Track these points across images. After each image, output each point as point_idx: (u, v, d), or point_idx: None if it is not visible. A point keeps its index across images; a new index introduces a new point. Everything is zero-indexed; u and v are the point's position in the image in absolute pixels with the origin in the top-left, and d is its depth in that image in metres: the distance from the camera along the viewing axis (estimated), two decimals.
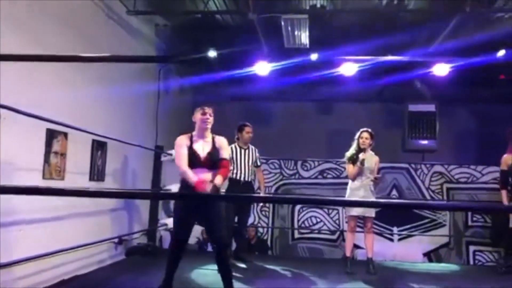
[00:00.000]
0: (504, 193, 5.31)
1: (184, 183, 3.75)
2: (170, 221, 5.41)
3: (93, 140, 5.02)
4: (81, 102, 4.73)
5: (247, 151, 5.35)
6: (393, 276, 4.95)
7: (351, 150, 5.10)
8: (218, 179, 3.70)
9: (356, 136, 5.12)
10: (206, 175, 3.71)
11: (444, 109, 7.68)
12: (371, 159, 5.03)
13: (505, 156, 5.41)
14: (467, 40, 6.45)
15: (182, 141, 3.83)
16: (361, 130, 5.14)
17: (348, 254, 5.08)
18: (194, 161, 3.73)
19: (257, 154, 5.56)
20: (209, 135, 3.89)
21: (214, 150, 3.83)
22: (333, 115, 9.42)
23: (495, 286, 4.51)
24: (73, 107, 4.54)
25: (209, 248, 6.91)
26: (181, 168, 3.71)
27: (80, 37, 4.68)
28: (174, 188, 5.39)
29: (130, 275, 4.48)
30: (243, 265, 5.13)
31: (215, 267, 4.86)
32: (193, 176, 3.62)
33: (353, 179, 5.04)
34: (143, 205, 6.26)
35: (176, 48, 6.98)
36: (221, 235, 3.84)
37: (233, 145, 5.26)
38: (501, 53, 6.75)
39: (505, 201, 5.29)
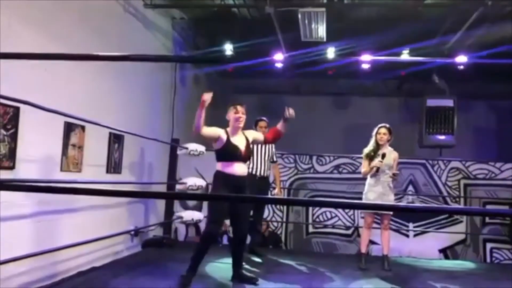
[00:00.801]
0: None
1: (220, 173, 3.87)
2: (185, 214, 5.44)
3: (110, 133, 5.06)
4: (98, 95, 4.77)
5: (263, 146, 5.33)
6: (408, 273, 4.92)
7: (369, 146, 5.05)
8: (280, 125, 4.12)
9: (374, 132, 5.06)
10: (243, 167, 3.95)
11: (463, 104, 7.57)
12: (389, 155, 4.97)
13: None
14: (487, 35, 6.35)
15: (219, 130, 3.95)
16: (379, 125, 5.07)
17: (363, 250, 5.06)
18: (234, 154, 3.87)
19: (274, 150, 5.54)
20: (241, 133, 4.02)
21: (250, 144, 4.03)
22: (350, 110, 9.36)
23: (510, 285, 4.45)
24: (90, 100, 4.58)
25: (225, 241, 6.95)
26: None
27: (98, 31, 4.71)
28: (190, 181, 5.42)
29: (146, 267, 4.52)
30: (258, 260, 5.15)
31: (225, 260, 4.93)
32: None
33: (365, 176, 5.01)
34: None
35: (193, 41, 7.00)
36: (246, 227, 4.05)
37: None
38: None
39: None
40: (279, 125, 4.21)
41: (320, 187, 7.36)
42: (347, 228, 7.24)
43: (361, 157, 5.19)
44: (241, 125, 3.97)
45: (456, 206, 7.03)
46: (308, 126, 8.90)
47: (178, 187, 5.51)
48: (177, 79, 6.92)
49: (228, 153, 3.89)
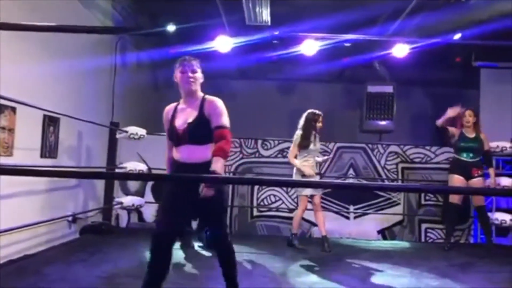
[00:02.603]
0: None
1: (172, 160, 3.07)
2: (126, 200, 5.32)
3: (44, 115, 4.83)
4: (31, 75, 4.52)
5: None
6: (347, 253, 5.08)
7: (302, 132, 5.19)
8: (217, 164, 2.77)
9: (309, 118, 5.19)
10: (196, 150, 2.94)
11: (402, 91, 7.83)
12: (317, 141, 5.21)
13: (452, 129, 5.62)
14: (425, 22, 6.56)
15: (164, 116, 3.13)
16: (313, 112, 5.21)
17: (294, 230, 5.23)
18: (173, 137, 3.01)
19: None
20: (197, 99, 3.05)
21: (201, 119, 2.96)
22: (295, 96, 9.47)
23: (439, 263, 4.69)
24: (22, 81, 4.34)
25: None
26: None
27: (33, 9, 4.44)
28: (130, 166, 5.29)
29: (81, 254, 4.39)
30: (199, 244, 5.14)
31: None
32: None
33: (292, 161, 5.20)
34: (99, 182, 6.12)
35: (134, 21, 6.77)
36: (218, 232, 3.07)
37: None
38: (457, 36, 6.93)
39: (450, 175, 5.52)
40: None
41: (265, 171, 7.42)
42: (291, 210, 7.36)
43: None
44: (192, 87, 3.03)
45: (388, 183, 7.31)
46: (254, 111, 8.92)
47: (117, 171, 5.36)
48: (118, 62, 6.69)
49: (169, 135, 3.10)
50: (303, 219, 7.10)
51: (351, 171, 7.37)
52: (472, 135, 5.41)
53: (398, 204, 7.29)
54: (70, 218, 5.26)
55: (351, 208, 7.25)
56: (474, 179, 5.27)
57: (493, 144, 5.72)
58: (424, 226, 7.29)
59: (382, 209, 7.26)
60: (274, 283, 3.78)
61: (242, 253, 4.86)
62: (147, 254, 4.32)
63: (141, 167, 5.39)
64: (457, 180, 5.34)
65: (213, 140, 2.93)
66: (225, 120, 3.00)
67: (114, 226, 6.36)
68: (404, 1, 6.14)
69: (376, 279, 4.04)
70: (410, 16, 6.49)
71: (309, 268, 4.26)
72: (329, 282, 3.82)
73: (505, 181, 5.65)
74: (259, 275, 3.96)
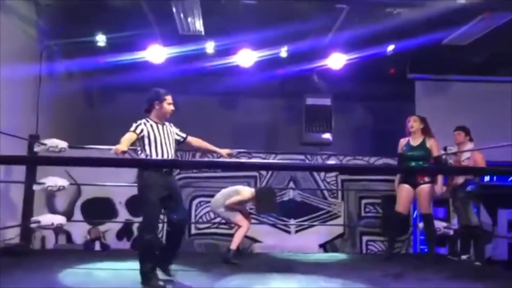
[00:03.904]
0: (398, 176, 5.47)
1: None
2: (44, 218, 4.90)
3: None
4: None
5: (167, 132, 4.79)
6: (282, 267, 4.88)
7: None
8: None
9: None
10: None
11: (340, 104, 7.85)
12: None
13: (401, 140, 5.55)
14: (358, 35, 6.62)
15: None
16: None
17: (233, 246, 5.03)
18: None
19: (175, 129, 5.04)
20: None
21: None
22: (237, 110, 9.34)
23: (374, 273, 4.58)
24: None
25: (97, 247, 6.45)
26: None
27: None
28: (49, 181, 4.92)
29: None
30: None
31: (88, 265, 4.52)
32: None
33: None
34: (21, 200, 5.65)
35: (61, 30, 6.43)
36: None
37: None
38: (391, 47, 7.05)
39: (396, 184, 5.44)
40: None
41: (203, 185, 7.16)
42: (231, 227, 7.11)
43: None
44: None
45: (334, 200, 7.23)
46: (195, 125, 8.67)
47: (35, 188, 4.95)
48: (44, 72, 6.31)
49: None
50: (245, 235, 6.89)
51: (291, 184, 7.24)
52: (417, 142, 5.30)
53: (339, 216, 7.22)
54: None
55: (292, 222, 7.10)
56: (421, 186, 5.17)
57: None
58: (365, 238, 7.23)
59: (324, 222, 7.16)
60: None
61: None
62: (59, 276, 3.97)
63: (62, 182, 5.00)
64: (403, 189, 5.27)
65: None
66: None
67: (37, 248, 5.89)
68: (334, 15, 6.15)
69: None
70: (341, 29, 6.52)
71: (236, 285, 4.02)
72: None
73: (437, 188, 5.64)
74: None
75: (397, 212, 5.31)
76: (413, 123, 5.27)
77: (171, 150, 4.06)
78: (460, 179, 5.30)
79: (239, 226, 5.18)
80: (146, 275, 3.77)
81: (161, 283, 3.76)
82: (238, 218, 5.17)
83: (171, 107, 4.07)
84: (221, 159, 4.38)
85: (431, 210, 5.33)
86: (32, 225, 4.86)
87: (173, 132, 4.20)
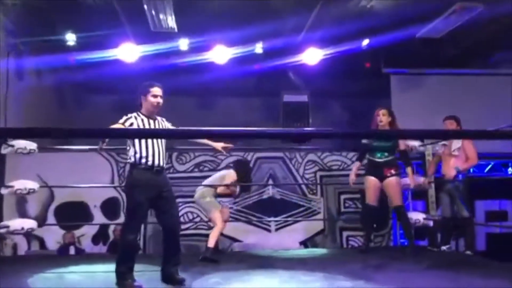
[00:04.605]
0: (356, 164, 5.43)
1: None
2: (14, 223, 4.70)
3: None
4: None
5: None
6: (262, 263, 4.78)
7: None
8: None
9: None
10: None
11: (317, 100, 7.84)
12: None
13: None
14: (333, 30, 6.60)
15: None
16: None
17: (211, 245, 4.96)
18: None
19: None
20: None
21: None
22: (214, 110, 9.23)
23: (354, 266, 4.53)
24: None
25: (71, 251, 6.26)
26: None
27: None
28: (18, 185, 4.73)
29: None
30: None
31: (61, 270, 4.35)
32: None
33: None
34: None
35: (29, 29, 6.24)
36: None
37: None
38: (365, 42, 7.06)
39: (352, 174, 5.39)
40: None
41: (181, 187, 7.03)
42: (210, 227, 6.99)
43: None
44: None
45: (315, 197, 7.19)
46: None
47: (3, 191, 4.76)
48: (11, 71, 6.12)
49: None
50: (223, 234, 6.78)
51: (270, 181, 7.18)
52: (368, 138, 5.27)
53: (319, 213, 7.18)
54: None
55: (272, 219, 7.04)
56: (388, 179, 5.16)
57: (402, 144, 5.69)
58: (345, 234, 7.21)
59: (304, 218, 7.12)
60: None
61: (145, 272, 4.43)
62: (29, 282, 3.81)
63: (32, 185, 4.82)
64: (370, 181, 5.25)
65: None
66: None
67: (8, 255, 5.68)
68: (308, 11, 6.13)
69: (287, 285, 3.78)
70: (315, 25, 6.50)
71: (214, 283, 3.91)
72: None
73: (418, 180, 5.64)
74: None
75: (367, 205, 5.32)
76: (382, 117, 5.24)
77: (162, 147, 3.74)
78: (452, 172, 5.26)
79: (215, 224, 5.10)
80: (122, 276, 3.61)
81: (136, 284, 3.62)
82: (216, 215, 5.08)
83: (157, 100, 3.75)
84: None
85: (401, 202, 5.31)
86: (0, 231, 4.65)
87: (165, 127, 3.91)
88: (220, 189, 5.24)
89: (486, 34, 6.99)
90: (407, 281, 3.88)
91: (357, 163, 5.45)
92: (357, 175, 5.42)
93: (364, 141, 5.30)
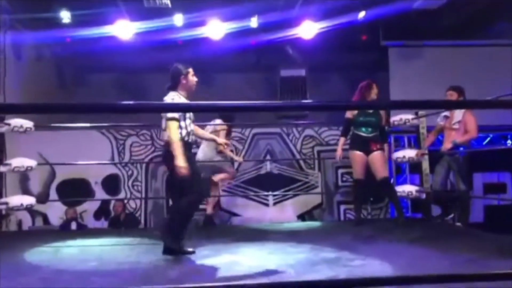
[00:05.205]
0: (342, 140, 5.44)
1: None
2: (12, 200, 4.85)
3: None
4: None
5: None
6: (254, 236, 4.88)
7: None
8: None
9: None
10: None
11: (314, 75, 7.81)
12: None
13: None
14: (328, 2, 6.53)
15: None
16: None
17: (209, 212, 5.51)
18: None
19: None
20: None
21: None
22: (212, 87, 9.24)
23: (343, 238, 4.61)
24: None
25: (73, 227, 6.44)
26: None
27: None
28: (16, 162, 4.86)
29: None
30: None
31: (58, 244, 4.51)
32: None
33: None
34: None
35: (23, 7, 6.28)
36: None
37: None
38: (362, 14, 6.97)
39: (339, 150, 5.42)
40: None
41: None
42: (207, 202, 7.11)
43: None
44: None
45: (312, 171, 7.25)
46: None
47: (1, 168, 4.89)
48: (8, 50, 6.19)
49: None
50: (223, 209, 6.91)
51: (268, 157, 7.24)
52: (371, 109, 5.30)
53: (316, 187, 7.25)
54: None
55: (270, 194, 7.12)
56: (374, 153, 5.20)
57: (397, 117, 5.68)
58: (342, 207, 7.28)
59: (301, 192, 7.19)
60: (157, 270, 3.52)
61: (141, 245, 4.57)
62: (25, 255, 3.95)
63: (30, 163, 4.94)
64: (357, 156, 5.28)
65: None
66: None
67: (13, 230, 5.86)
68: None
69: (273, 257, 3.86)
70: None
71: (208, 254, 4.01)
72: (222, 264, 3.61)
73: (411, 153, 5.65)
74: (146, 263, 3.69)
75: (356, 179, 5.37)
76: (375, 93, 5.29)
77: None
78: (448, 145, 5.24)
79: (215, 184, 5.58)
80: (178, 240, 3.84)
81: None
82: (221, 176, 5.58)
83: (195, 78, 4.06)
84: None
85: (386, 173, 5.34)
86: (0, 207, 4.80)
87: None
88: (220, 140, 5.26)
89: (487, 3, 6.85)
90: (392, 252, 3.92)
91: (343, 139, 5.47)
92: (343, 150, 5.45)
93: (348, 116, 5.33)
